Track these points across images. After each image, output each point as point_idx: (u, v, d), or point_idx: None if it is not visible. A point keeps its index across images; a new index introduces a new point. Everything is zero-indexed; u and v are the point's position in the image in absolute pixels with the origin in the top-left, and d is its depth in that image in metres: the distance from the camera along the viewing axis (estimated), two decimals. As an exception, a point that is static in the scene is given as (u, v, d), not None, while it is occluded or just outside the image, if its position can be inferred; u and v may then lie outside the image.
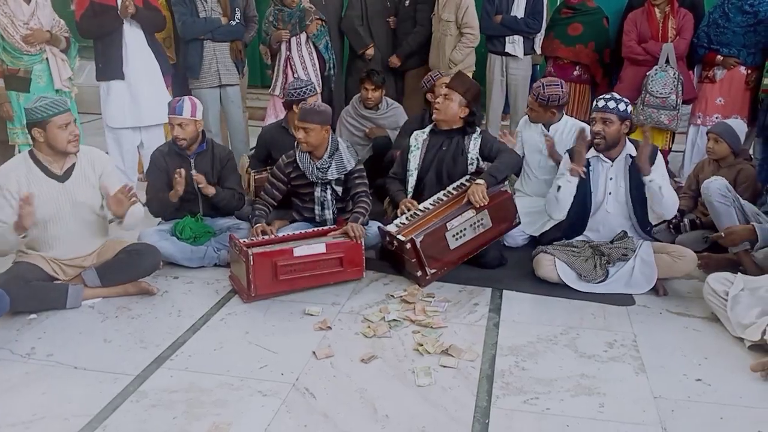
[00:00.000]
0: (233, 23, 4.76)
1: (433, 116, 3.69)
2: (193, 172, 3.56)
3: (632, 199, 3.29)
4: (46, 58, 4.28)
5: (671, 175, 5.06)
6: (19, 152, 4.29)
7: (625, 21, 4.75)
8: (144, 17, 4.36)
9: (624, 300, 3.18)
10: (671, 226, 3.74)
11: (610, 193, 3.32)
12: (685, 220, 3.77)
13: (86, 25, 4.25)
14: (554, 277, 3.27)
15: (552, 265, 3.28)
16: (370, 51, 5.32)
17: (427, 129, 3.76)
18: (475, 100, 3.61)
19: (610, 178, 3.31)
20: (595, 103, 3.32)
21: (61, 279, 3.17)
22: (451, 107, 3.59)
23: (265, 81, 7.37)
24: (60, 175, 3.10)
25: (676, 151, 5.14)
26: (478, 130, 3.68)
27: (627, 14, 4.85)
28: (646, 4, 4.64)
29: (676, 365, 2.64)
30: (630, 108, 3.28)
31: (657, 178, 3.19)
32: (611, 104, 3.23)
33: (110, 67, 4.34)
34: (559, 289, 3.26)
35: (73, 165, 3.14)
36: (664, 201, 3.19)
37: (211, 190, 3.58)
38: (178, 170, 3.50)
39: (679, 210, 3.77)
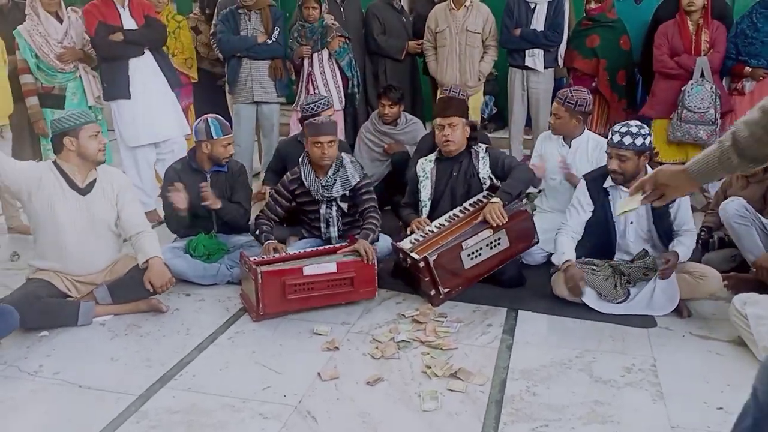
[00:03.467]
0: (269, 42, 4.80)
1: (444, 150, 3.58)
2: (203, 185, 3.55)
3: (656, 228, 3.16)
4: (79, 76, 4.36)
5: (701, 190, 4.91)
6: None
7: (656, 34, 4.62)
8: (141, 36, 4.37)
9: (645, 321, 3.05)
10: (700, 243, 3.59)
11: (631, 223, 3.19)
12: (714, 237, 3.61)
13: (100, 45, 4.30)
14: (573, 296, 3.15)
15: None
16: (413, 44, 5.29)
17: (432, 156, 3.67)
18: (467, 112, 3.57)
19: (631, 222, 3.17)
20: (609, 136, 3.12)
21: (74, 296, 3.18)
22: (459, 134, 3.52)
23: (293, 98, 7.43)
24: (82, 187, 3.15)
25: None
26: (484, 147, 3.59)
27: (653, 26, 4.72)
28: (678, 15, 4.51)
29: (697, 392, 2.50)
30: (649, 138, 3.08)
31: (685, 255, 3.11)
32: (626, 140, 3.02)
33: (115, 87, 4.38)
34: (577, 309, 3.14)
35: (94, 180, 3.18)
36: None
37: (217, 204, 3.57)
38: (196, 187, 3.53)
39: (706, 227, 3.64)
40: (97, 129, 3.14)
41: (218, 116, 3.72)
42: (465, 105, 3.56)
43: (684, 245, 3.12)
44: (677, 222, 3.16)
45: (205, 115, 3.68)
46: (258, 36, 4.75)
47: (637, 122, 3.14)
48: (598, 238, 3.25)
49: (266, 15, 4.81)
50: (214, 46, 5.12)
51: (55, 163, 3.16)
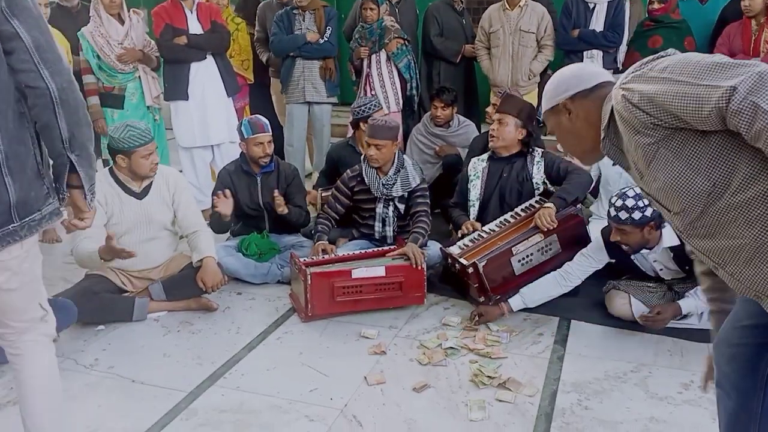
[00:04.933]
0: (321, 41, 4.83)
1: (490, 144, 3.55)
2: (276, 192, 3.61)
3: (690, 272, 2.96)
4: (138, 77, 4.47)
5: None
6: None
7: (721, 35, 4.45)
8: (205, 41, 4.46)
9: (704, 336, 2.90)
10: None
11: (661, 270, 3.02)
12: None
13: (164, 46, 4.41)
14: (629, 316, 3.01)
15: (627, 303, 3.02)
16: (469, 48, 5.25)
17: (486, 156, 3.62)
18: (530, 119, 3.45)
19: (655, 261, 3.00)
20: (607, 208, 2.86)
21: (129, 290, 3.27)
22: (508, 131, 3.45)
23: (344, 98, 7.47)
24: (138, 192, 3.22)
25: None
26: (540, 151, 3.52)
27: (719, 27, 4.54)
28: (744, 17, 4.32)
29: (761, 414, 2.38)
30: (651, 210, 2.70)
31: (691, 309, 2.88)
32: (623, 215, 2.73)
33: (176, 88, 4.49)
34: (633, 322, 3.03)
35: (150, 183, 3.25)
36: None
37: (285, 210, 3.61)
38: (248, 189, 3.56)
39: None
40: (151, 149, 3.13)
41: (257, 115, 3.77)
42: (524, 106, 3.45)
43: (696, 298, 2.83)
44: None
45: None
46: (308, 34, 4.78)
47: (638, 191, 2.72)
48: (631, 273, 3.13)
49: (320, 15, 4.85)
50: (259, 51, 5.18)
51: (111, 170, 3.23)
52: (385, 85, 4.98)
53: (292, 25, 4.84)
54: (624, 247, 2.88)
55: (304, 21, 4.85)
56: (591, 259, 3.08)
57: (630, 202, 2.74)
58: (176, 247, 3.46)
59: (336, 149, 4.32)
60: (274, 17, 4.95)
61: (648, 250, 2.92)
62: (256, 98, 5.29)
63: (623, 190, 2.80)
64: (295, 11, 4.86)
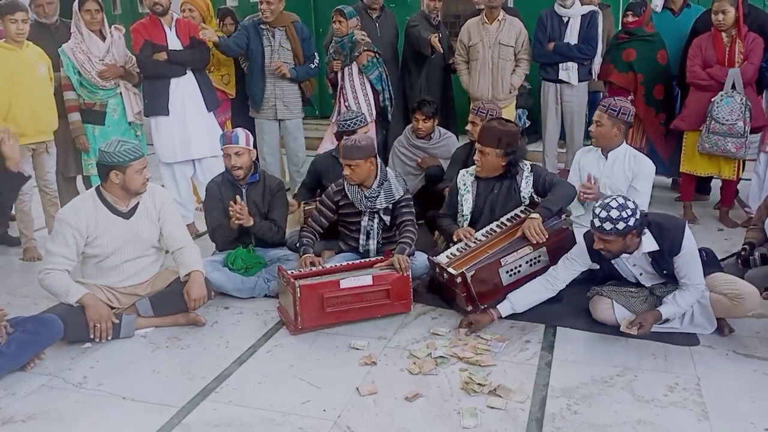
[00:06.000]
0: (312, 66, 4.98)
1: (477, 172, 3.58)
2: (238, 199, 3.59)
3: (668, 275, 3.02)
4: (120, 93, 4.46)
5: (742, 204, 4.82)
6: (91, 184, 4.48)
7: (691, 46, 4.58)
8: (185, 57, 4.47)
9: (687, 339, 3.00)
10: (740, 260, 3.52)
11: (641, 274, 3.10)
12: (756, 254, 3.53)
13: (144, 63, 4.41)
14: (612, 321, 3.09)
15: (610, 308, 3.10)
16: (434, 39, 5.22)
17: (473, 169, 3.63)
18: (510, 143, 3.44)
19: (634, 266, 3.08)
20: (591, 218, 2.88)
21: (116, 307, 3.24)
22: (490, 161, 3.48)
23: (323, 112, 7.51)
24: (125, 212, 3.20)
25: (746, 179, 4.87)
26: (530, 166, 3.57)
27: (692, 39, 4.67)
28: (713, 28, 4.45)
29: (743, 412, 2.45)
30: (633, 219, 2.77)
31: (670, 315, 2.99)
32: (607, 226, 2.77)
33: (156, 103, 4.49)
34: (615, 327, 3.09)
35: (137, 203, 3.24)
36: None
37: (249, 222, 3.59)
38: (233, 201, 3.57)
39: (748, 243, 3.56)
40: (143, 164, 3.13)
41: (237, 128, 3.80)
42: (503, 135, 3.43)
43: (675, 304, 2.95)
44: (677, 272, 2.94)
45: None
46: (276, 64, 4.81)
47: (620, 202, 2.80)
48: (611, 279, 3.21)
49: (291, 32, 4.85)
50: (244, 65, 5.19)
51: (98, 191, 3.19)
52: (357, 97, 5.07)
53: (261, 41, 4.81)
54: (604, 253, 2.95)
55: (274, 38, 4.82)
56: (575, 263, 3.15)
57: (614, 213, 2.77)
58: (163, 263, 3.45)
59: (320, 160, 4.34)
60: (239, 27, 4.97)
61: (628, 255, 2.99)
62: (238, 113, 5.30)
63: (606, 201, 2.85)
64: (263, 26, 4.83)
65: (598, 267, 3.17)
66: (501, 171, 3.52)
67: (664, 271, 2.99)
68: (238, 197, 3.58)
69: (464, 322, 3.15)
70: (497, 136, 3.43)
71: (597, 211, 2.84)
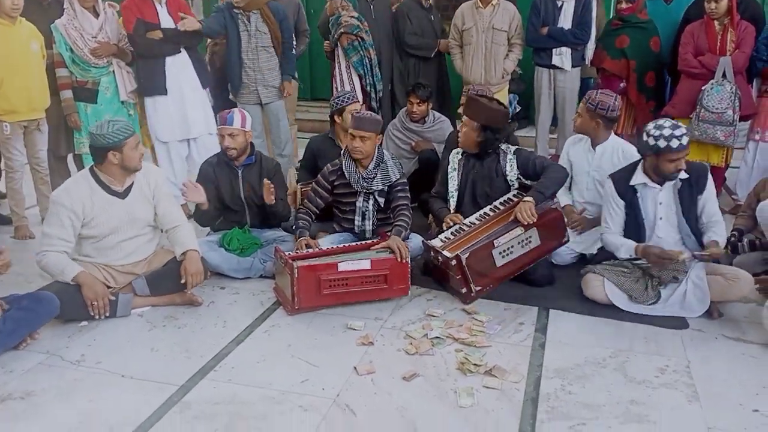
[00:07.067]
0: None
1: (459, 143, 3.66)
2: (266, 180, 3.60)
3: (687, 221, 3.16)
4: (113, 71, 4.41)
5: (729, 192, 4.89)
6: (82, 162, 4.45)
7: (683, 34, 4.61)
8: (179, 34, 4.42)
9: (677, 323, 3.07)
10: (729, 247, 3.59)
11: (660, 218, 3.20)
12: (744, 241, 3.60)
13: (139, 42, 4.36)
14: (603, 298, 3.18)
15: (601, 285, 3.18)
16: (444, 43, 5.31)
17: (461, 150, 3.69)
18: (492, 122, 3.49)
19: (660, 203, 3.19)
20: (666, 145, 3.04)
21: (113, 286, 3.24)
22: (466, 134, 3.54)
23: (314, 94, 7.48)
24: (121, 192, 3.19)
25: (734, 167, 4.95)
26: (512, 149, 3.60)
27: (683, 26, 4.70)
28: (705, 15, 4.49)
29: (732, 394, 2.52)
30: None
31: (721, 240, 3.13)
32: (684, 141, 3.03)
33: (154, 83, 4.44)
34: (607, 309, 3.16)
35: (132, 183, 3.23)
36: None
37: (273, 200, 3.60)
38: (229, 182, 3.60)
39: (737, 230, 3.63)
40: (137, 140, 3.14)
41: (235, 108, 3.80)
42: (483, 111, 3.49)
43: (718, 235, 3.13)
44: (706, 213, 3.16)
45: None
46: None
47: (671, 122, 3.08)
48: (630, 236, 3.26)
49: (267, 14, 4.65)
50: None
51: (92, 172, 3.17)
52: (343, 80, 5.11)
53: (236, 25, 4.62)
54: (675, 172, 3.10)
55: (250, 22, 4.62)
56: (615, 209, 3.27)
57: (678, 132, 3.02)
58: (159, 242, 3.45)
59: (315, 142, 4.34)
60: (214, 8, 4.90)
61: (659, 188, 3.16)
62: (217, 95, 5.23)
63: (659, 122, 3.08)
64: (236, 11, 4.60)
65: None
66: (474, 149, 3.57)
67: (689, 223, 3.14)
68: (266, 181, 3.57)
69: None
70: (478, 110, 3.50)
71: (665, 132, 3.01)
